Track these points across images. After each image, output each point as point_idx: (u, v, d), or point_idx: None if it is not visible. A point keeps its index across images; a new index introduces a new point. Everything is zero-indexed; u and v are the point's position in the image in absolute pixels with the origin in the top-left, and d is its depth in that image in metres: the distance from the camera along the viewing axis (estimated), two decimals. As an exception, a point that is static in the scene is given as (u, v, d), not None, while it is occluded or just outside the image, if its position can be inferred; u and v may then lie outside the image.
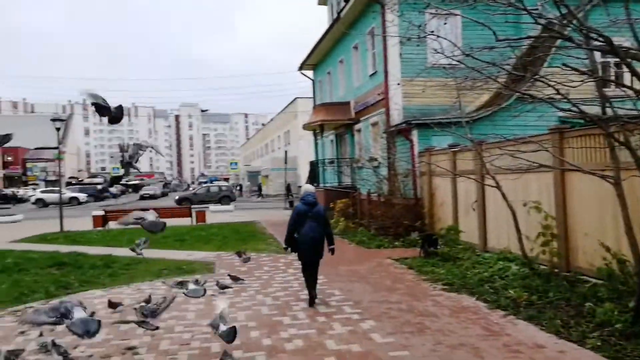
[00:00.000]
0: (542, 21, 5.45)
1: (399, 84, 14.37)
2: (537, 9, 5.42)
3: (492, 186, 8.38)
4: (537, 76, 6.02)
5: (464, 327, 5.71)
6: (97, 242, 14.82)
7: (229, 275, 8.57)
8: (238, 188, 54.04)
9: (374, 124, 16.82)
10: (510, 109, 12.32)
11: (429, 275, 8.51)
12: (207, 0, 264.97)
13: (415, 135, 13.67)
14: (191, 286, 6.40)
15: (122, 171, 58.65)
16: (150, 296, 6.69)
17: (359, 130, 18.65)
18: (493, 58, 6.25)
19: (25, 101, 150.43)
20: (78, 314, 4.49)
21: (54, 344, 5.02)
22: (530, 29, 7.46)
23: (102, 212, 19.63)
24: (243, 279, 8.54)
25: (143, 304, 6.09)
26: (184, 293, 6.36)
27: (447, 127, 9.16)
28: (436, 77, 13.02)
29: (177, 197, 35.68)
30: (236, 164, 51.22)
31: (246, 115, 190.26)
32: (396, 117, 14.68)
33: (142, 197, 49.84)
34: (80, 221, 21.21)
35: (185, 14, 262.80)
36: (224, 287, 7.83)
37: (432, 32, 6.72)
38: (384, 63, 15.06)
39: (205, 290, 6.46)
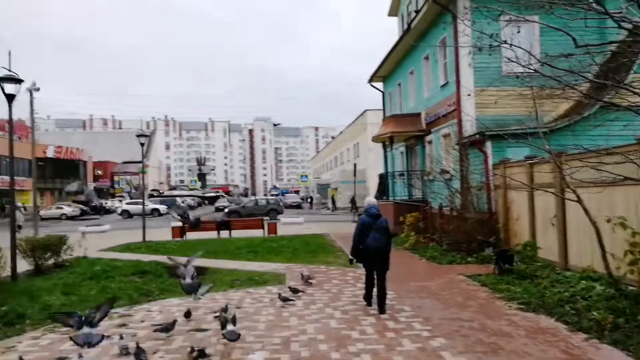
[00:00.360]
0: (627, 25, 5.14)
1: (469, 95, 14.00)
2: (620, 12, 5.13)
3: (573, 200, 7.90)
4: (621, 83, 5.66)
5: (541, 350, 5.41)
6: (175, 252, 15.49)
7: (289, 287, 8.68)
8: (308, 200, 54.73)
9: (446, 136, 16.47)
10: (592, 118, 11.58)
11: (503, 294, 8.16)
12: (277, 15, 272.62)
13: (489, 147, 13.22)
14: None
15: (198, 184, 61.36)
16: (227, 305, 6.97)
17: (429, 142, 18.33)
18: (572, 66, 5.96)
19: (114, 118, 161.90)
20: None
21: (138, 347, 5.35)
22: (613, 34, 7.03)
23: (180, 224, 20.62)
24: (303, 291, 8.62)
25: (221, 312, 6.35)
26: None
27: (523, 138, 8.77)
28: (511, 87, 12.59)
29: (226, 210, 37.06)
30: (306, 176, 52.06)
31: (316, 129, 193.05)
32: (469, 128, 14.29)
33: (217, 209, 51.80)
34: (160, 232, 22.40)
35: (258, 27, 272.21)
36: (285, 299, 7.95)
37: (505, 41, 6.52)
38: (456, 73, 14.75)
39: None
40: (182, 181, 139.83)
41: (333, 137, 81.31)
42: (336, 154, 60.05)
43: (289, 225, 24.96)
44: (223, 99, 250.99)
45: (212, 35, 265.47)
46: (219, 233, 20.12)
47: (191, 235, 19.61)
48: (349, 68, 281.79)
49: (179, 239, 19.47)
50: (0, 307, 8.02)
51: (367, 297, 7.66)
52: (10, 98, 11.06)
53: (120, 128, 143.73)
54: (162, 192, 71.17)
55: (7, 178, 50.11)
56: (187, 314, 7.17)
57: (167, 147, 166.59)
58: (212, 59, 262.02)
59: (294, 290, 8.44)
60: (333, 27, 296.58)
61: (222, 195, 63.24)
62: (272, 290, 9.03)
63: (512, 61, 6.50)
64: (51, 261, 12.56)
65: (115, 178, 77.02)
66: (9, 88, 11.00)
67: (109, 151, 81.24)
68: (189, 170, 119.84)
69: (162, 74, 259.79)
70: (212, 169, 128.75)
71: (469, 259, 11.68)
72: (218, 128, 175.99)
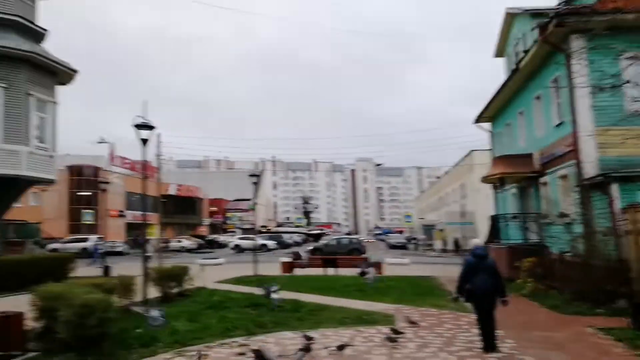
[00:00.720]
0: None
1: (589, 135, 13.16)
2: None
3: None
4: None
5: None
6: (284, 287, 16.06)
7: (391, 328, 8.54)
8: (414, 241, 53.66)
9: (563, 177, 15.50)
10: None
11: (642, 351, 7.38)
12: (375, 59, 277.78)
13: (615, 189, 12.22)
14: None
15: (304, 221, 63.13)
16: (347, 343, 7.12)
17: (544, 184, 17.34)
18: None
19: (227, 159, 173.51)
20: None
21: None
22: None
23: (289, 259, 21.38)
24: (403, 332, 8.48)
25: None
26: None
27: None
28: (637, 126, 11.68)
29: (310, 248, 37.55)
30: (410, 217, 51.22)
31: (419, 168, 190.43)
32: (590, 170, 13.35)
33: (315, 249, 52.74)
34: (269, 266, 23.33)
35: (358, 71, 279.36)
36: (392, 339, 7.90)
37: (628, 80, 6.19)
38: (572, 113, 13.97)
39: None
40: (288, 218, 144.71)
41: (438, 177, 79.63)
42: (441, 194, 58.66)
43: (395, 266, 24.65)
44: (326, 142, 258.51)
45: (315, 80, 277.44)
46: (325, 270, 20.49)
47: (299, 271, 20.20)
48: (453, 110, 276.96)
49: (287, 274, 20.14)
50: (136, 330, 8.90)
51: (483, 339, 7.57)
52: (144, 142, 12.52)
53: (232, 168, 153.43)
54: (270, 229, 74.14)
55: (138, 213, 55.73)
56: (307, 349, 7.29)
57: (275, 186, 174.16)
58: (314, 102, 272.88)
59: (395, 332, 8.31)
60: (436, 70, 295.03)
61: (326, 233, 64.30)
62: (382, 330, 9.00)
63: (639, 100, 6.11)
64: (175, 290, 13.66)
65: (228, 214, 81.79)
66: (144, 134, 12.47)
67: (222, 189, 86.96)
68: (295, 208, 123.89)
69: (267, 117, 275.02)
70: (316, 207, 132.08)
71: (598, 310, 10.70)
72: (321, 168, 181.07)
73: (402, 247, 52.62)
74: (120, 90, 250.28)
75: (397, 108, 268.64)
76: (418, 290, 14.97)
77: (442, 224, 45.79)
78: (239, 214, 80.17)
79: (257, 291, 14.56)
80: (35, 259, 17.82)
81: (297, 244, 54.18)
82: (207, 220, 77.34)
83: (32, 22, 19.97)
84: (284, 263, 20.85)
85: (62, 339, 7.11)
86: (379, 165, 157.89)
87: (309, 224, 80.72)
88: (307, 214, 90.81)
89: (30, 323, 7.98)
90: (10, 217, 24.34)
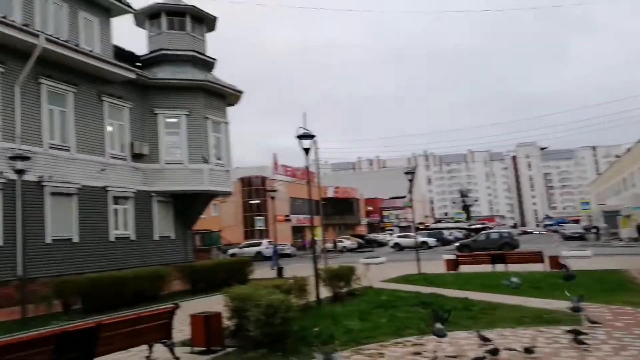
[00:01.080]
0: None
1: None
2: None
3: None
4: None
5: None
6: (451, 285, 15.67)
7: (574, 329, 7.60)
8: (594, 231, 48.11)
9: None
10: None
11: None
12: (532, 33, 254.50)
13: None
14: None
15: (464, 215, 60.77)
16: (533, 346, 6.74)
17: None
18: None
19: (379, 158, 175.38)
20: None
21: None
22: None
23: (453, 256, 20.78)
24: (587, 333, 7.54)
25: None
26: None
27: None
28: None
29: (457, 244, 35.41)
30: (588, 203, 46.03)
31: (594, 149, 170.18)
32: None
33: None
34: (432, 264, 22.93)
35: (513, 52, 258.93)
36: (580, 341, 7.12)
37: None
38: None
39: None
40: (446, 214, 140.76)
41: (617, 156, 70.19)
42: (624, 175, 51.54)
43: (575, 259, 22.36)
44: (481, 130, 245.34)
45: (460, 67, 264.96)
46: (493, 266, 19.47)
47: (465, 268, 19.50)
48: (621, 80, 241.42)
49: (452, 271, 19.59)
50: (314, 329, 9.47)
51: None
52: (306, 151, 13.28)
53: (384, 167, 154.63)
54: (428, 225, 72.93)
55: (301, 217, 59.44)
56: (494, 352, 6.93)
57: (429, 181, 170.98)
58: (460, 90, 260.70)
59: (579, 333, 7.44)
60: (594, 37, 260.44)
61: (488, 227, 60.96)
62: (566, 330, 8.23)
63: None
64: (344, 289, 14.21)
65: (384, 213, 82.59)
66: (305, 143, 13.23)
67: (376, 189, 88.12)
68: (452, 202, 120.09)
69: (416, 110, 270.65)
70: (476, 200, 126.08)
71: None
72: (478, 158, 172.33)
73: (579, 237, 47.49)
74: (266, 100, 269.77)
75: (553, 86, 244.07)
76: (606, 286, 13.38)
77: (628, 209, 40.24)
78: (395, 212, 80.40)
79: (424, 290, 14.44)
80: (221, 263, 20.10)
81: (458, 239, 52.35)
82: (364, 220, 79.08)
83: (203, 54, 22.66)
84: (447, 260, 20.33)
85: (253, 336, 7.89)
86: (544, 149, 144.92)
87: (468, 218, 77.34)
88: (466, 208, 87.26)
89: (225, 322, 9.02)
90: (197, 227, 27.79)
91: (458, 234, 54.23)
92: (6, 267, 15.27)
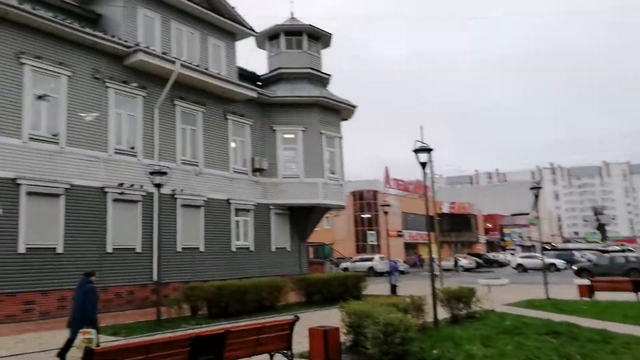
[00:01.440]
0: None
1: None
2: None
3: None
4: None
5: None
6: (586, 313, 14.13)
7: None
8: None
9: None
10: None
11: None
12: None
13: None
14: None
15: (598, 235, 55.05)
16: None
17: None
18: None
19: (498, 171, 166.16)
20: None
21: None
22: None
23: (587, 282, 18.79)
24: None
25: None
26: None
27: None
28: None
29: (575, 268, 30.97)
30: None
31: None
32: None
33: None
34: (561, 288, 20.94)
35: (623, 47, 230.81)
36: None
37: None
38: None
39: None
40: (576, 233, 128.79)
41: None
42: None
43: None
44: (617, 138, 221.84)
45: (581, 68, 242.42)
46: (638, 294, 17.19)
47: (602, 295, 17.50)
48: None
49: (587, 298, 17.66)
50: (432, 351, 9.03)
51: None
52: (423, 165, 12.88)
53: (505, 181, 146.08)
54: (556, 246, 67.16)
55: (414, 232, 58.14)
56: None
57: (556, 196, 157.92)
58: (586, 94, 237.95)
59: None
60: None
61: (629, 249, 54.37)
62: None
63: None
64: (464, 311, 13.45)
65: (505, 230, 77.78)
66: (422, 157, 12.83)
67: (496, 204, 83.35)
68: (584, 220, 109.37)
69: (534, 122, 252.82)
70: (613, 218, 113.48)
71: None
72: (615, 171, 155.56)
73: None
74: (374, 112, 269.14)
75: None
76: None
77: None
78: (517, 230, 75.29)
79: (553, 317, 13.18)
80: (335, 277, 20.19)
81: (596, 265, 47.27)
82: (482, 238, 75.04)
83: (319, 71, 23.31)
84: (581, 286, 18.39)
85: (370, 354, 7.73)
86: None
87: (604, 238, 69.84)
88: (601, 227, 78.90)
89: (342, 337, 8.96)
90: (310, 240, 28.39)
91: (591, 256, 49.08)
92: (144, 272, 16.88)
